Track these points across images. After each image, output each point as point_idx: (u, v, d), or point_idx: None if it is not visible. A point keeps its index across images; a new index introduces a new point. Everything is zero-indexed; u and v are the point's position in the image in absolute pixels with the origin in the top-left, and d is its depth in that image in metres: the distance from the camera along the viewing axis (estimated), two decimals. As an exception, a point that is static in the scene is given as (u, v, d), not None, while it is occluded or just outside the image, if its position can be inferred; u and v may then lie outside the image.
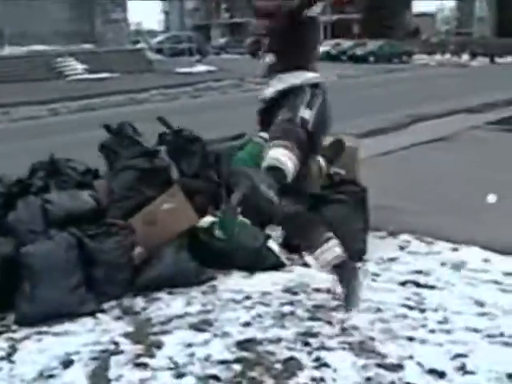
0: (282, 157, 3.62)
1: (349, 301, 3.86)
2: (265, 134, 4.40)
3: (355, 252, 4.65)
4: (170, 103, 18.68)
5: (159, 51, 39.32)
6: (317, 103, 3.85)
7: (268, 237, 4.74)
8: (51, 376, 3.24)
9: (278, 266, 4.58)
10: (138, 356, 3.40)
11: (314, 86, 3.92)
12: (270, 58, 3.96)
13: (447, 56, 43.19)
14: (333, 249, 3.85)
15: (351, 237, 4.59)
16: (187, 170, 5.17)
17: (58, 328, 3.75)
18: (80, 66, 27.03)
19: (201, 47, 39.26)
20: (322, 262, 3.90)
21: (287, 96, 3.86)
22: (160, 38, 47.14)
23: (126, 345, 3.53)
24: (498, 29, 45.66)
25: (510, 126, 11.83)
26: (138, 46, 37.30)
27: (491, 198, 5.55)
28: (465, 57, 41.52)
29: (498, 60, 38.68)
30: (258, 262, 4.55)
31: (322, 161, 4.86)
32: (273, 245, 4.69)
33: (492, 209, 6.01)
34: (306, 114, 3.77)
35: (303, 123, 3.74)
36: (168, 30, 66.79)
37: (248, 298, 4.10)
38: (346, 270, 3.87)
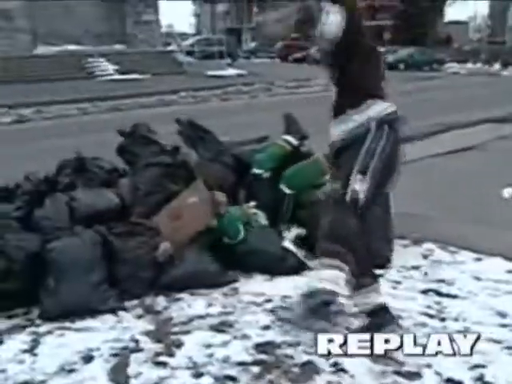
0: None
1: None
2: (289, 137, 4.37)
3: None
4: (199, 105, 18.74)
5: (190, 54, 39.46)
6: (378, 151, 3.55)
7: (282, 238, 4.76)
8: (72, 370, 3.29)
9: (299, 267, 4.55)
10: (158, 354, 3.44)
11: (383, 121, 3.62)
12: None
13: (478, 65, 42.80)
14: (373, 294, 3.60)
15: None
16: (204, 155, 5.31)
17: (79, 324, 3.81)
18: (111, 67, 27.26)
19: (231, 50, 39.34)
20: (362, 308, 3.64)
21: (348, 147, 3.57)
22: (191, 40, 47.30)
23: (146, 343, 3.57)
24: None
25: (539, 136, 11.73)
26: (169, 48, 37.49)
27: (507, 193, 5.48)
28: (496, 66, 41.10)
29: (530, 70, 38.29)
30: (278, 265, 4.55)
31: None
32: (290, 246, 4.69)
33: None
34: (357, 184, 3.49)
35: (353, 201, 3.48)
36: (199, 33, 67.05)
37: (268, 301, 4.11)
38: (382, 318, 3.59)
